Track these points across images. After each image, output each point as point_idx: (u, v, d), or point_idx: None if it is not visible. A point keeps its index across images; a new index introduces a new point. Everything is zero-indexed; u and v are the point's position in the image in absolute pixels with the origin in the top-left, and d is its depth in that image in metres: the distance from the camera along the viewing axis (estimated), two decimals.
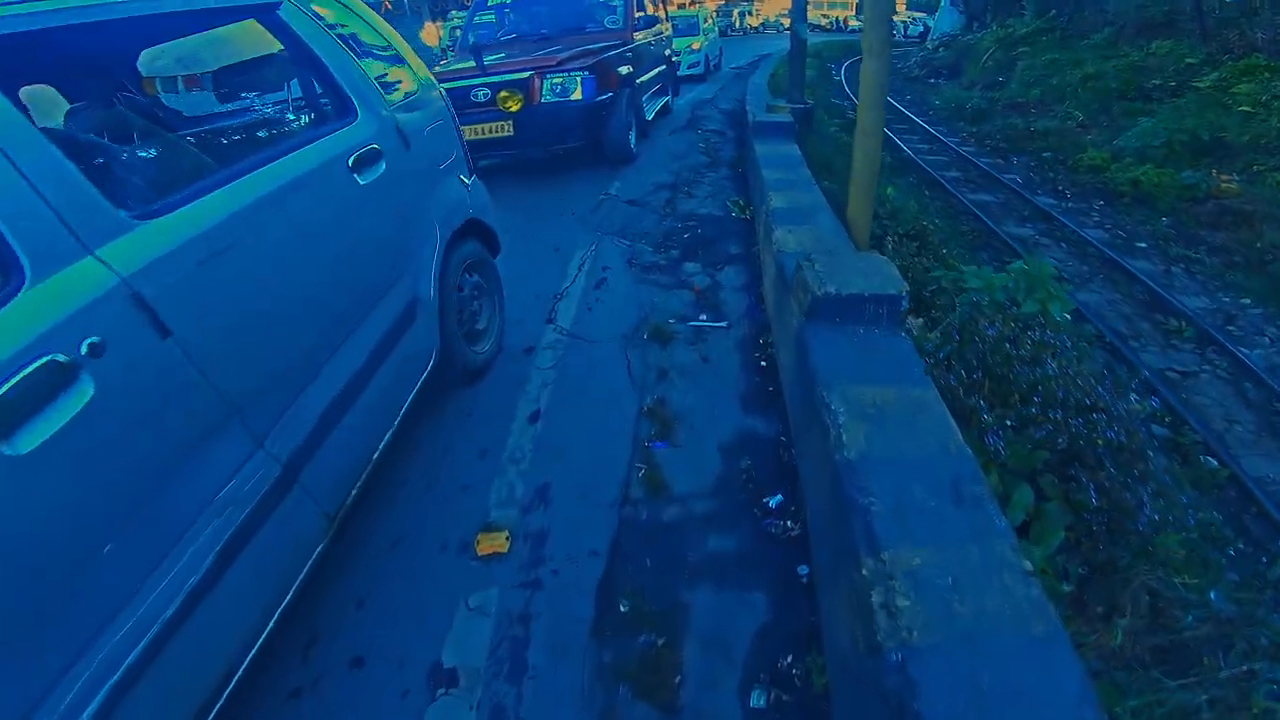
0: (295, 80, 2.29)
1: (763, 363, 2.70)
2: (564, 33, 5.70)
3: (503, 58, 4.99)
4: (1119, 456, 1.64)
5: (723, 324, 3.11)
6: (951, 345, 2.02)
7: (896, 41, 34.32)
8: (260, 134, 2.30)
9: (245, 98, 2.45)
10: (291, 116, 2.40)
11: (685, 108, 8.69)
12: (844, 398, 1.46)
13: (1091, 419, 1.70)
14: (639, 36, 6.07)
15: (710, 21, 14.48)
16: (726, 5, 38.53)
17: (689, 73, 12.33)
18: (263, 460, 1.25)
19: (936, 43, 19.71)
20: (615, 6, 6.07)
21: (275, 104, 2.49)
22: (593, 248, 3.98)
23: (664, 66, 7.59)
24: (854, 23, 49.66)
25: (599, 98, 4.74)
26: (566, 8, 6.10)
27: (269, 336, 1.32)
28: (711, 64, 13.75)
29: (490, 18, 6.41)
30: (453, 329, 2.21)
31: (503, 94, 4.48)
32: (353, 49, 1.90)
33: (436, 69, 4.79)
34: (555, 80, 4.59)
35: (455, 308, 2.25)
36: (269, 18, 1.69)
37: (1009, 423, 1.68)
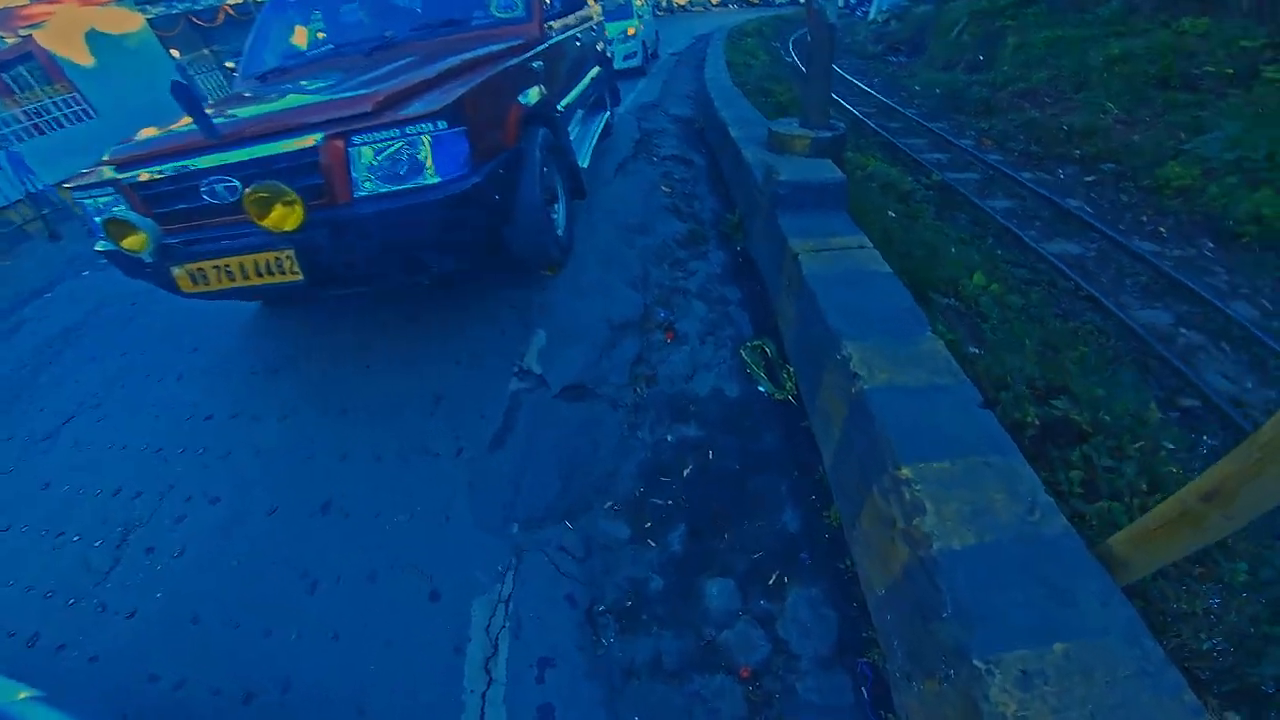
0: None
1: None
2: (419, 33, 3.26)
3: (278, 104, 2.37)
4: None
5: None
6: None
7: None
8: None
9: None
10: None
11: (629, 120, 6.36)
12: None
13: None
14: (556, 29, 3.69)
15: (642, 2, 12.03)
16: None
17: (625, 66, 9.92)
18: None
19: (886, 14, 17.99)
20: None
21: None
22: (504, 594, 1.72)
23: (598, 68, 5.21)
24: None
25: (482, 171, 2.39)
26: None
27: None
28: (650, 52, 11.37)
29: (298, 21, 3.81)
30: None
31: (255, 194, 1.96)
32: None
33: (129, 146, 2.28)
34: (379, 147, 2.14)
35: None
36: None
37: None
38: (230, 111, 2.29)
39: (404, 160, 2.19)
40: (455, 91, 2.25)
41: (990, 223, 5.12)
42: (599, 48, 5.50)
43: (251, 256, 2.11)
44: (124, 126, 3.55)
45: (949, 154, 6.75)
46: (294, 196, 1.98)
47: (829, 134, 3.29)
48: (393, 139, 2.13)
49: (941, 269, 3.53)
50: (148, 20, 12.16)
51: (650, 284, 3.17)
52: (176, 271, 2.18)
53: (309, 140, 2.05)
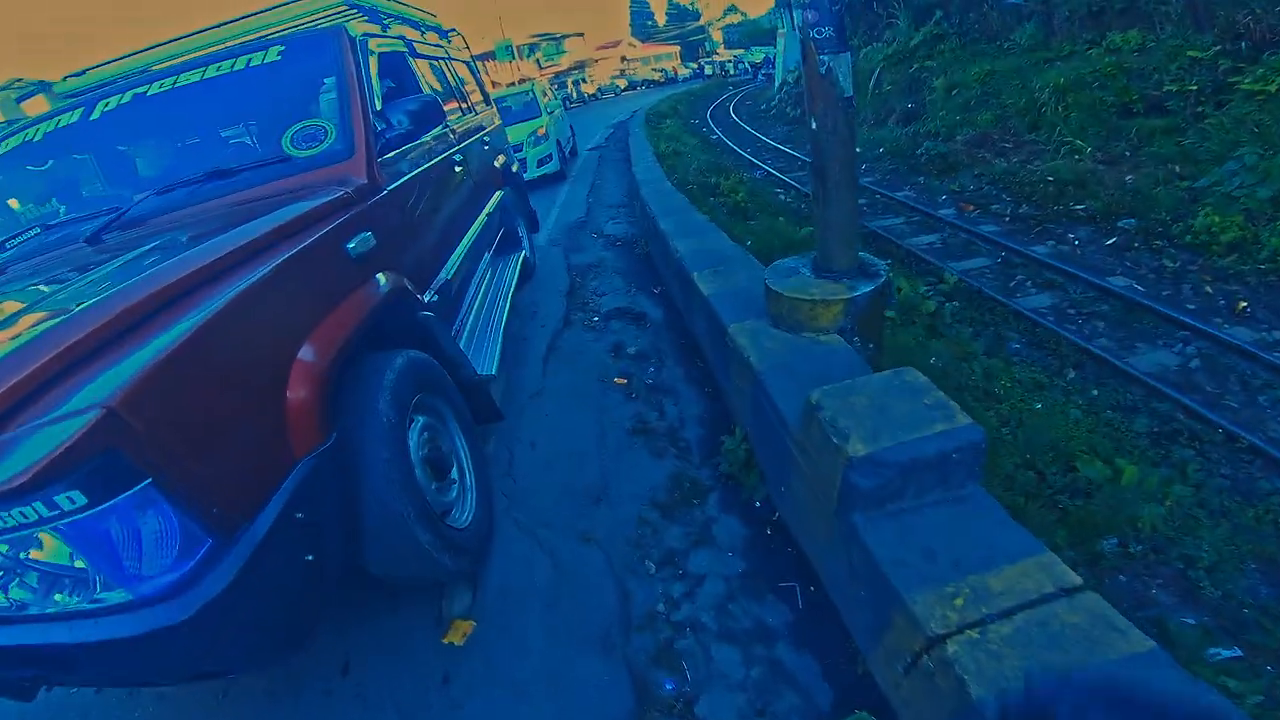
0: None
1: None
2: (172, 198, 1.94)
3: None
4: None
5: None
6: None
7: (736, 80, 34.37)
8: None
9: None
10: None
11: (554, 255, 5.06)
12: None
13: None
14: (409, 159, 2.36)
15: (550, 96, 11.29)
16: (558, 76, 37.32)
17: (541, 172, 8.87)
18: None
19: (795, 73, 18.24)
20: (312, 77, 2.22)
21: None
22: None
23: (499, 193, 3.90)
24: (683, 70, 51.40)
25: (228, 560, 1.12)
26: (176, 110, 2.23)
27: None
28: (567, 150, 10.48)
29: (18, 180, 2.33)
30: None
31: None
32: None
33: None
34: None
35: None
36: None
37: None
38: None
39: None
40: (101, 403, 1.00)
41: (1047, 337, 3.94)
42: (498, 163, 4.18)
43: None
44: None
45: (938, 233, 5.74)
46: None
47: (869, 285, 1.95)
48: None
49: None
50: None
51: (632, 627, 1.66)
52: None
53: None
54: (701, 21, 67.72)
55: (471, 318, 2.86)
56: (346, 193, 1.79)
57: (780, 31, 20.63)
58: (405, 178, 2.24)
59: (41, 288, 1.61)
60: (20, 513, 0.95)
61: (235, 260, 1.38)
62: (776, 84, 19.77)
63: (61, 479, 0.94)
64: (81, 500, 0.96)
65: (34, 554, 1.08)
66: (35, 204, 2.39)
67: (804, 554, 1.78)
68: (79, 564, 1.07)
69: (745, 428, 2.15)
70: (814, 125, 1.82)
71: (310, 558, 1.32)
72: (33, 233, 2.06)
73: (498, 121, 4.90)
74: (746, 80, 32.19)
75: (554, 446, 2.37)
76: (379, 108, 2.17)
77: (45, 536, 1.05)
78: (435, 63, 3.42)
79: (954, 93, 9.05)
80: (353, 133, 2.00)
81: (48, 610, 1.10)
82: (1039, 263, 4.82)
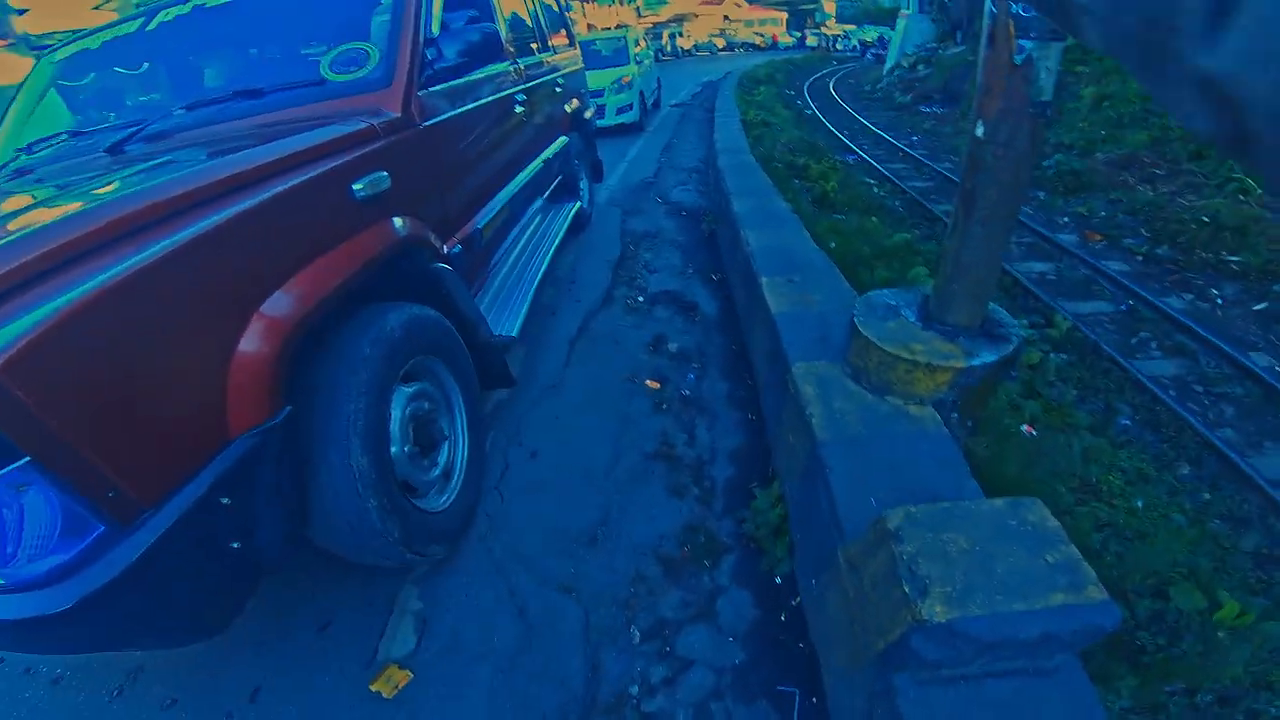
0: None
1: None
2: (201, 113, 1.80)
3: None
4: None
5: None
6: None
7: (841, 56, 32.04)
8: None
9: None
10: None
11: (611, 214, 4.64)
12: None
13: None
14: (448, 96, 2.07)
15: (643, 46, 10.61)
16: (655, 27, 35.96)
17: (618, 120, 8.37)
18: None
19: (912, 57, 16.57)
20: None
21: None
22: None
23: (565, 138, 3.66)
24: (785, 38, 48.19)
25: (135, 539, 0.96)
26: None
27: None
28: (649, 103, 9.86)
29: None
30: None
31: None
32: None
33: None
34: None
35: None
36: None
37: None
38: None
39: None
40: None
41: (1165, 417, 3.24)
42: (570, 107, 3.84)
43: None
44: None
45: (1053, 261, 4.92)
46: None
47: (993, 353, 1.45)
48: None
49: None
50: None
51: (595, 710, 1.36)
52: None
53: None
54: None
55: (505, 270, 2.63)
56: (371, 125, 1.60)
57: (904, 13, 18.75)
58: (447, 115, 2.00)
59: (28, 198, 1.43)
60: None
61: (208, 194, 1.16)
62: (887, 66, 18.06)
63: None
64: None
65: None
66: (85, 112, 2.23)
67: (815, 658, 1.41)
68: None
69: (784, 488, 1.73)
70: (979, 132, 1.31)
71: (236, 545, 1.13)
72: (61, 139, 1.95)
73: (579, 65, 4.52)
74: (853, 57, 29.88)
75: (558, 461, 2.02)
76: (434, 34, 1.95)
77: None
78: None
79: (1104, 105, 7.83)
80: (395, 61, 1.82)
81: None
82: (1170, 319, 4.04)
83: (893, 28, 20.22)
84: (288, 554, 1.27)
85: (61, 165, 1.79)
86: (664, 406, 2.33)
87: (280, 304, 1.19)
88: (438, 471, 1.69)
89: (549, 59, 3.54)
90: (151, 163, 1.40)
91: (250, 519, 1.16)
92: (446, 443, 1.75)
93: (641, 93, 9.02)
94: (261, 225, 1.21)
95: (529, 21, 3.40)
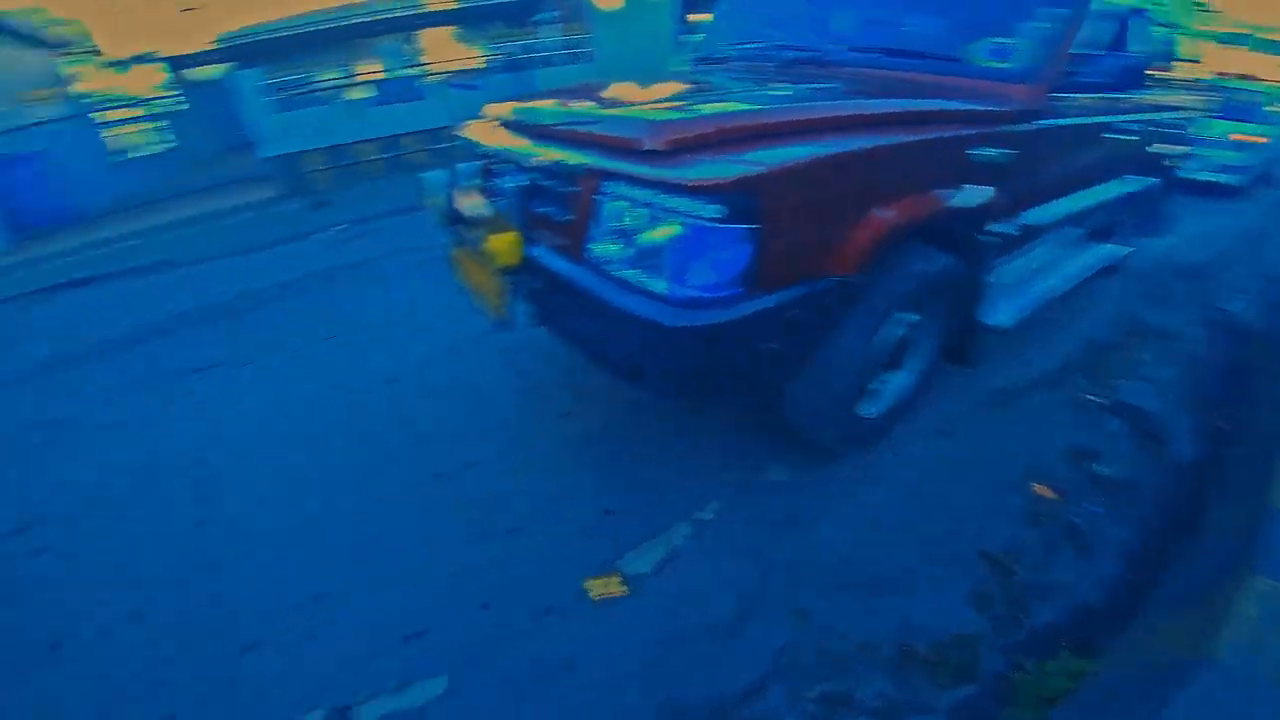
0: None
1: None
2: (859, 56, 2.32)
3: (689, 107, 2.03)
4: None
5: None
6: None
7: None
8: None
9: None
10: None
11: (1126, 284, 3.88)
12: None
13: None
14: (1072, 107, 2.31)
15: None
16: None
17: (1210, 178, 6.56)
18: None
19: None
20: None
21: None
22: None
23: (1136, 183, 3.36)
24: None
25: (750, 304, 1.54)
26: None
27: None
28: (1266, 171, 7.27)
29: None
30: None
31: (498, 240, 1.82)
32: None
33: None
34: (625, 207, 1.59)
35: None
36: None
37: None
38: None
39: (637, 239, 1.55)
40: (762, 164, 1.47)
41: None
42: (1154, 149, 3.36)
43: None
44: (610, 72, 3.34)
45: None
46: (510, 226, 1.86)
47: None
48: (640, 204, 1.54)
49: None
50: None
51: None
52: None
53: (577, 162, 1.72)
54: None
55: (1019, 269, 2.64)
56: (1006, 110, 1.98)
57: None
58: (1058, 121, 2.20)
59: (742, 86, 2.33)
60: (676, 199, 1.44)
61: (881, 120, 1.76)
62: None
63: (713, 197, 1.39)
64: (713, 213, 1.39)
65: (651, 233, 1.50)
66: (751, 29, 2.88)
67: None
68: (663, 265, 1.48)
69: None
70: None
71: (773, 347, 1.63)
72: (752, 46, 2.67)
73: (1194, 110, 3.84)
74: None
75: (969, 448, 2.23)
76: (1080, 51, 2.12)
77: (668, 227, 1.45)
78: (1164, 28, 3.07)
79: None
80: (1045, 66, 2.05)
81: (626, 274, 1.58)
82: None
83: None
84: (773, 392, 1.90)
85: (753, 65, 2.54)
86: (1009, 568, 2.01)
87: (889, 212, 1.68)
88: (886, 386, 2.17)
89: (1158, 98, 3.13)
90: (815, 85, 2.08)
91: (789, 336, 1.62)
92: (900, 371, 2.21)
93: (1266, 160, 6.65)
94: (903, 155, 1.72)
95: (1160, 54, 3.04)
